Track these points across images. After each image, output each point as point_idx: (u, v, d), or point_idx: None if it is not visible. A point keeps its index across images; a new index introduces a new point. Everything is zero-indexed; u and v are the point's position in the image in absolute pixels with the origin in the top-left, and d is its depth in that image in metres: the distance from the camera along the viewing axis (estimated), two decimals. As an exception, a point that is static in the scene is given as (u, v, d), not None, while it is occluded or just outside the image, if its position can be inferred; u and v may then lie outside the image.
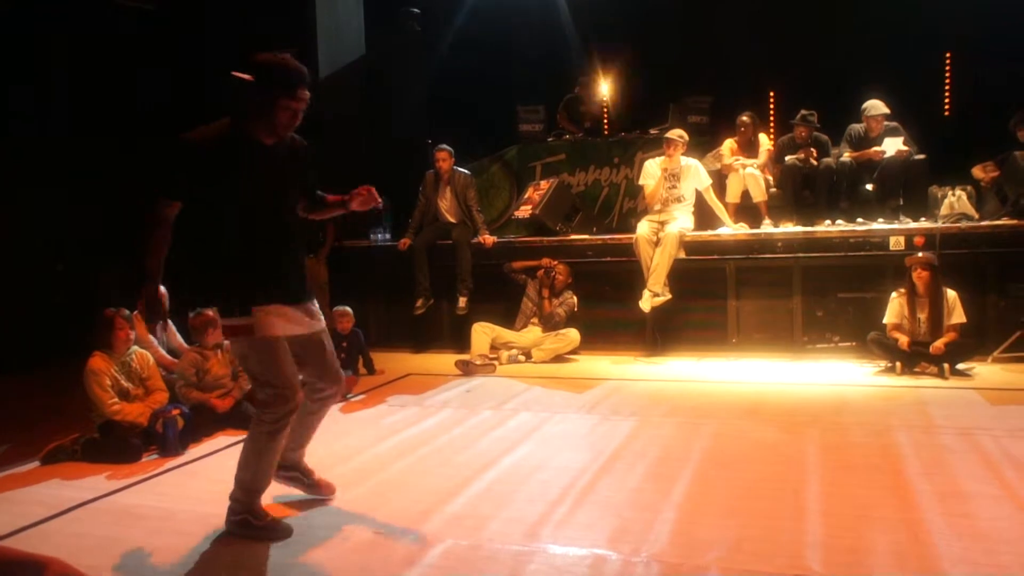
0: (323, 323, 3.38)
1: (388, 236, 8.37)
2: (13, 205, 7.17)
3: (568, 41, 10.01)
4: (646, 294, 6.68)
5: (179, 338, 5.55)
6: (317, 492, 3.60)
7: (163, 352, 5.31)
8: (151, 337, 5.25)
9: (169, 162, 3.06)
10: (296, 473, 3.57)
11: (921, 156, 7.16)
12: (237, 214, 3.05)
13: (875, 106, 7.16)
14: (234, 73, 3.20)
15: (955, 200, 6.90)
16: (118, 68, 8.06)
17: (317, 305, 3.38)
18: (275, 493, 3.61)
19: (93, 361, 4.44)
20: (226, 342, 5.07)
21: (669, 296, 6.69)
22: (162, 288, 5.24)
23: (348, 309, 6.43)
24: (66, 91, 7.87)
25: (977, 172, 6.96)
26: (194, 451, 4.49)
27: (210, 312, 5.06)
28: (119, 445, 4.33)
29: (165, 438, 4.40)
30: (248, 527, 3.18)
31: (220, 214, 3.05)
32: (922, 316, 5.84)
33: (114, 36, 8.11)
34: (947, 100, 8.76)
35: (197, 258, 3.12)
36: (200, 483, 3.97)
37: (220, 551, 3.08)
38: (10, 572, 1.84)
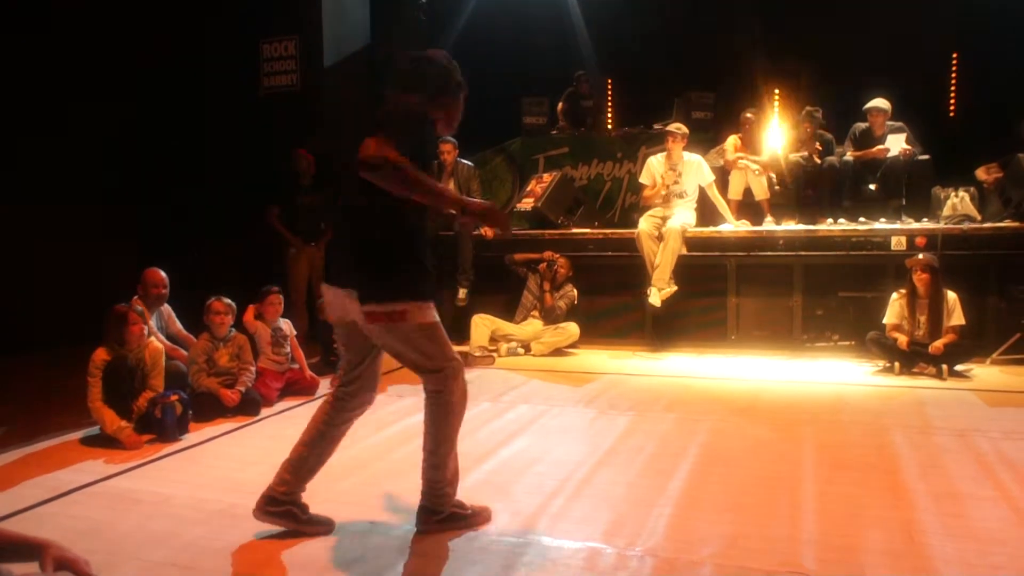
0: None
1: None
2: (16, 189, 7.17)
3: (575, 34, 9.99)
4: (653, 290, 6.68)
5: (178, 324, 5.55)
6: (312, 529, 3.08)
7: (162, 338, 5.32)
8: (151, 324, 5.26)
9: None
10: (290, 507, 3.07)
11: (925, 156, 7.15)
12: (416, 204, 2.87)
13: (878, 103, 7.15)
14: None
15: (958, 201, 6.90)
16: (118, 53, 8.04)
17: None
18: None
19: (97, 353, 4.47)
20: (233, 332, 5.10)
21: (676, 288, 6.69)
22: (162, 274, 5.33)
23: None
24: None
25: (980, 174, 6.96)
26: (192, 436, 4.50)
27: (223, 303, 5.07)
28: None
29: (163, 423, 4.41)
30: (456, 520, 3.04)
31: (405, 203, 2.83)
32: (922, 317, 5.84)
33: (114, 23, 8.07)
34: (952, 101, 8.75)
35: (382, 249, 2.90)
36: (198, 468, 3.98)
37: (215, 536, 3.09)
38: (7, 554, 1.85)
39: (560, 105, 9.24)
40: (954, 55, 8.70)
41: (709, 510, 3.27)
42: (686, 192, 7.07)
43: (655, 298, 6.66)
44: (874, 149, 7.12)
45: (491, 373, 6.23)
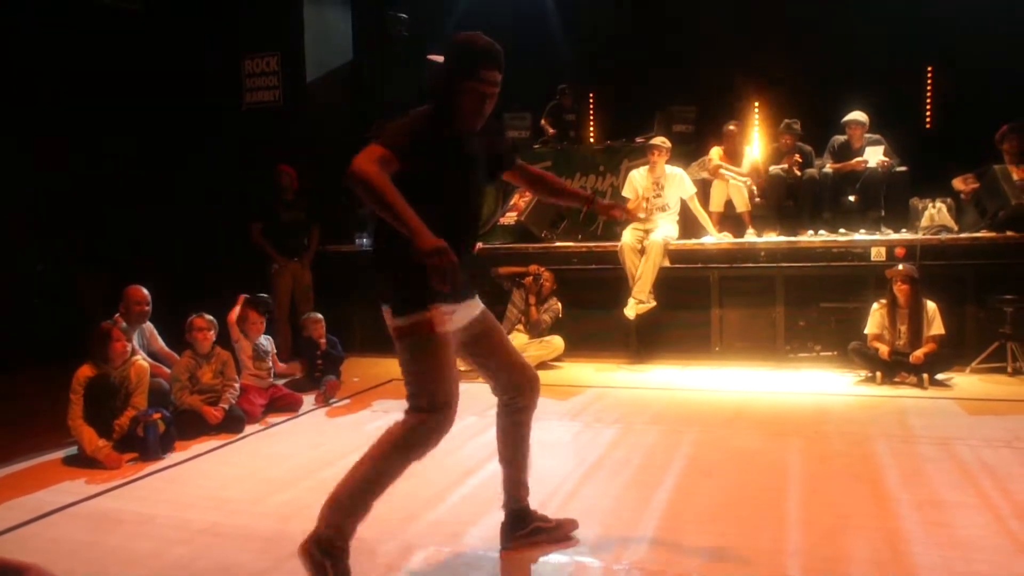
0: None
1: (373, 241, 8.36)
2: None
3: (557, 48, 10.05)
4: (631, 301, 6.70)
5: (161, 342, 5.51)
6: (562, 536, 3.08)
7: (144, 356, 5.27)
8: (134, 343, 5.21)
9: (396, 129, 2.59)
10: (536, 524, 3.04)
11: (902, 168, 7.24)
12: (435, 214, 2.50)
13: (856, 116, 7.25)
14: (429, 56, 2.88)
15: (935, 212, 6.98)
16: (105, 68, 8.00)
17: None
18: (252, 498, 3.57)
19: (82, 370, 4.43)
20: (216, 349, 5.07)
21: (654, 304, 6.72)
22: (144, 291, 5.29)
23: (320, 316, 6.37)
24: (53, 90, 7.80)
25: (957, 184, 7.04)
26: (175, 455, 4.46)
27: (205, 319, 5.03)
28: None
29: (145, 442, 4.36)
30: (333, 555, 2.59)
31: (421, 211, 2.45)
32: (902, 327, 5.90)
33: (100, 36, 8.03)
34: (928, 113, 8.88)
35: (384, 256, 2.85)
36: (180, 487, 3.95)
37: (199, 556, 3.06)
38: (-12, 577, 1.83)
39: (543, 119, 9.28)
40: (929, 68, 8.83)
41: (695, 522, 3.28)
42: (668, 205, 7.12)
43: (631, 310, 6.68)
44: (853, 161, 7.21)
45: (476, 387, 6.15)
